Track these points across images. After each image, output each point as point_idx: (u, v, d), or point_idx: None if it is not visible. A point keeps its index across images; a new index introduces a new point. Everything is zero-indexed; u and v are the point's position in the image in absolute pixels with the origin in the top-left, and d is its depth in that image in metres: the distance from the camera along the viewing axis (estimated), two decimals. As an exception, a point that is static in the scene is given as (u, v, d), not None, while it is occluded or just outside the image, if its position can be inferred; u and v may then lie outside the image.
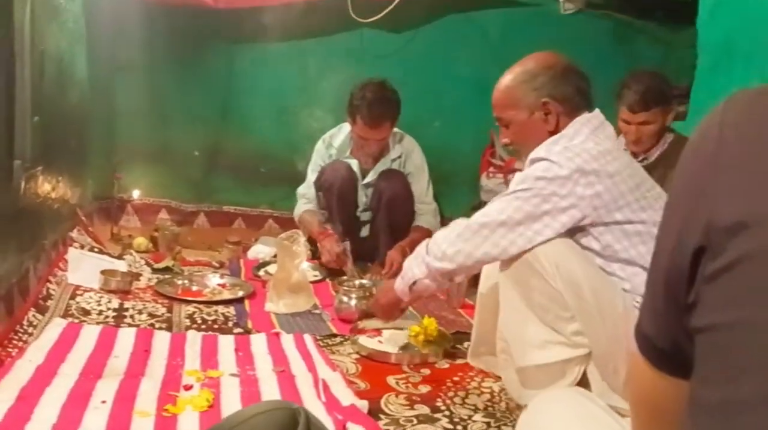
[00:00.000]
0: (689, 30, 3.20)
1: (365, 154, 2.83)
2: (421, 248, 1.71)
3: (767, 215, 0.46)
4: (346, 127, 2.83)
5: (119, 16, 2.80)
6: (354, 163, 2.85)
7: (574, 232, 1.56)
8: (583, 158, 1.54)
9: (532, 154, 1.62)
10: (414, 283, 1.71)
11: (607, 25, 3.45)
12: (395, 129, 2.85)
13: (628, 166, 1.60)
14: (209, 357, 1.77)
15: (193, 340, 1.88)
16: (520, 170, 1.71)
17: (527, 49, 3.30)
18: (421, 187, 2.87)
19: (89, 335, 1.84)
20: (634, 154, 2.46)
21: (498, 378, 1.80)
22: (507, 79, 1.72)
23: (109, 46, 2.92)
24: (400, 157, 2.87)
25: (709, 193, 0.50)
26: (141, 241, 2.88)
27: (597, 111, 1.69)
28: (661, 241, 0.58)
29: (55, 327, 1.85)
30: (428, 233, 2.46)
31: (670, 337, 0.57)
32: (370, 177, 2.86)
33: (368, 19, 3.02)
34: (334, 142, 2.89)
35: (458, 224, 1.65)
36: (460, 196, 3.53)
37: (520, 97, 1.67)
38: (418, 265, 1.69)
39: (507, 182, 3.21)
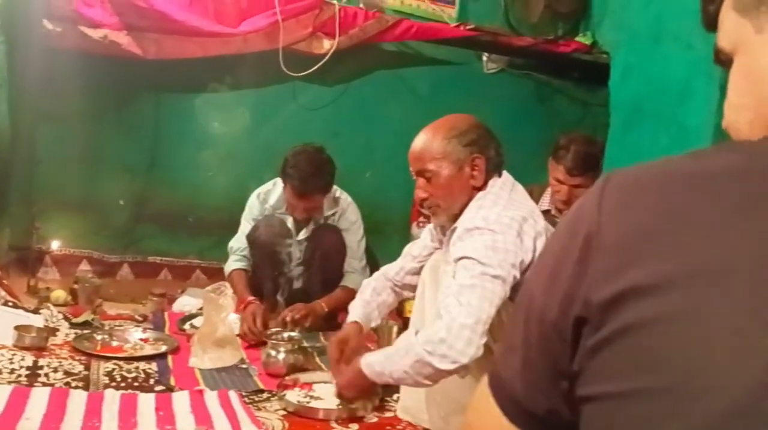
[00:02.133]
0: (604, 91, 3.43)
1: (298, 214, 2.82)
2: (409, 357, 1.57)
3: (643, 289, 0.48)
4: (280, 184, 2.80)
5: (45, 64, 2.74)
6: (289, 220, 2.83)
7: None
8: (517, 221, 1.63)
9: (470, 223, 1.64)
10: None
11: (527, 84, 3.64)
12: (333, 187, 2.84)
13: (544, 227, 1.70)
14: (128, 418, 1.71)
15: (112, 399, 1.81)
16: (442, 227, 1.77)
17: (455, 104, 3.46)
18: (353, 245, 2.85)
19: (-2, 397, 1.74)
20: (560, 211, 2.58)
21: (426, 430, 1.81)
22: (432, 132, 1.76)
23: (32, 93, 2.84)
24: (334, 214, 2.88)
25: (586, 273, 0.52)
26: (59, 294, 2.75)
27: (506, 173, 1.79)
28: (533, 304, 0.58)
29: (-39, 389, 1.75)
30: (353, 294, 2.39)
31: (547, 403, 0.57)
32: (304, 234, 2.85)
33: (299, 74, 3.08)
34: (269, 199, 2.83)
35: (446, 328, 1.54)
36: (391, 244, 3.56)
37: (448, 150, 1.71)
38: (429, 379, 1.58)
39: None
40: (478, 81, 3.54)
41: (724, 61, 0.60)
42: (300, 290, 2.88)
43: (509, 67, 3.57)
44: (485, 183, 1.73)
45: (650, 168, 0.55)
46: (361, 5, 3.12)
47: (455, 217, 1.76)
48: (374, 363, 1.69)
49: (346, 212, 2.87)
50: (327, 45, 3.05)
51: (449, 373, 1.54)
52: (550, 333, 0.55)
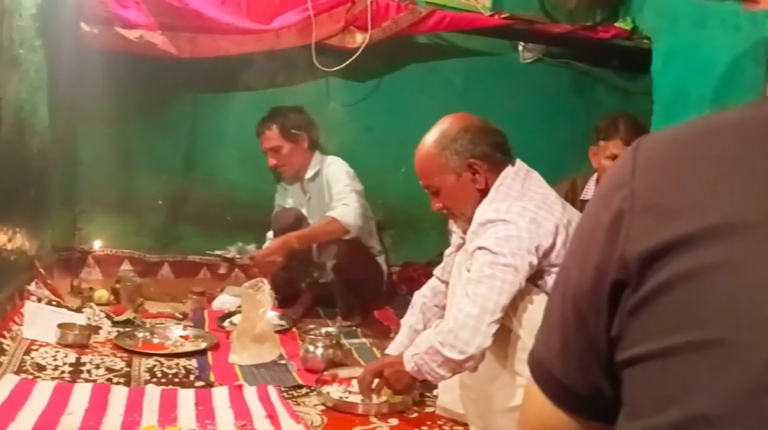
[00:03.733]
0: (645, 78, 3.32)
1: (279, 172, 2.91)
2: (424, 346, 1.61)
3: (682, 241, 0.47)
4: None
5: (83, 66, 2.79)
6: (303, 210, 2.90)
7: (532, 275, 1.58)
8: (531, 209, 1.59)
9: (482, 216, 1.62)
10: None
11: (565, 73, 3.56)
12: (318, 153, 2.90)
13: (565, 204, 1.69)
14: (168, 412, 1.71)
15: (152, 395, 1.82)
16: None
17: (490, 95, 3.41)
18: (339, 187, 2.76)
19: (43, 392, 1.76)
20: None
21: (466, 425, 1.77)
22: (426, 147, 1.73)
23: (71, 95, 2.89)
24: (317, 174, 2.88)
25: (622, 232, 0.51)
26: (102, 293, 2.80)
27: (519, 161, 1.74)
28: (569, 282, 0.57)
29: (7, 384, 1.78)
30: (334, 224, 2.59)
31: (590, 382, 0.56)
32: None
33: (332, 69, 3.06)
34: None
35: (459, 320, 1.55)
36: (428, 241, 3.54)
37: (444, 162, 1.70)
38: (442, 369, 1.58)
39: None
40: (514, 71, 3.47)
41: None
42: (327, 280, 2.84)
43: (546, 57, 3.49)
44: (496, 176, 1.69)
45: (688, 125, 0.54)
46: (393, -3, 3.09)
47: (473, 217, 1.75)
48: (405, 353, 1.71)
49: (329, 169, 2.84)
50: (360, 39, 3.03)
51: (461, 363, 1.54)
52: (587, 306, 0.54)
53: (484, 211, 1.64)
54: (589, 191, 2.59)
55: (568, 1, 3.32)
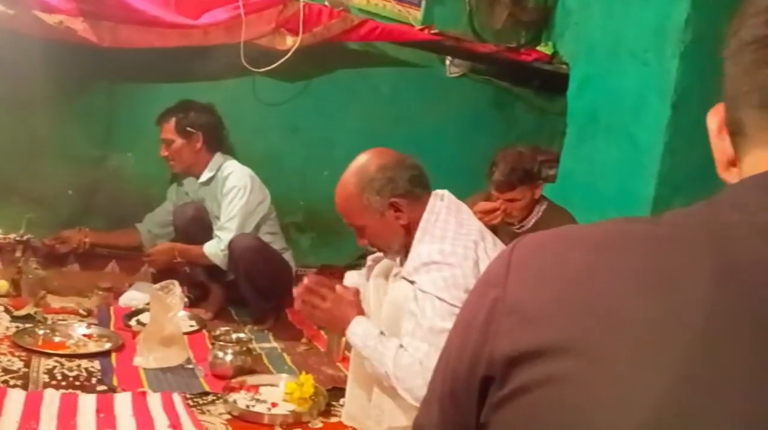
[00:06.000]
0: (561, 100, 3.49)
1: (169, 165, 2.92)
2: (382, 365, 1.60)
3: (536, 352, 0.51)
4: None
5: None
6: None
7: None
8: (472, 249, 1.63)
9: (427, 256, 1.63)
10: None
11: (488, 90, 3.68)
12: (220, 155, 2.90)
13: (492, 241, 1.73)
14: (67, 420, 1.68)
15: (51, 400, 1.77)
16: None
17: (415, 105, 3.48)
18: (224, 208, 2.77)
19: (-71, 396, 1.69)
20: (510, 224, 2.62)
21: (370, 438, 1.83)
22: (346, 188, 1.76)
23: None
24: (212, 178, 2.88)
25: (492, 330, 0.55)
26: (1, 284, 2.67)
27: (446, 192, 1.78)
28: (449, 361, 0.61)
29: None
30: (203, 256, 2.70)
31: None
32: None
33: (260, 69, 3.04)
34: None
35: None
36: (347, 244, 3.55)
37: (366, 204, 1.73)
38: (383, 367, 1.60)
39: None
40: (439, 84, 3.55)
41: None
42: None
43: (471, 72, 3.59)
44: (419, 210, 1.72)
45: (555, 234, 0.58)
46: (327, 3, 3.09)
47: (404, 247, 1.79)
48: (360, 332, 1.67)
49: (226, 180, 2.82)
50: (290, 42, 3.02)
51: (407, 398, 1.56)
52: (461, 390, 0.58)
53: (428, 250, 1.64)
54: None
55: (495, 22, 3.44)
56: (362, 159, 1.77)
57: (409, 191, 1.73)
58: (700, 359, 0.44)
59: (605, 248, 0.53)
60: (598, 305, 0.50)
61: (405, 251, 1.78)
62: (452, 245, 1.64)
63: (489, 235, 1.74)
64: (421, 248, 1.68)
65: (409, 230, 1.73)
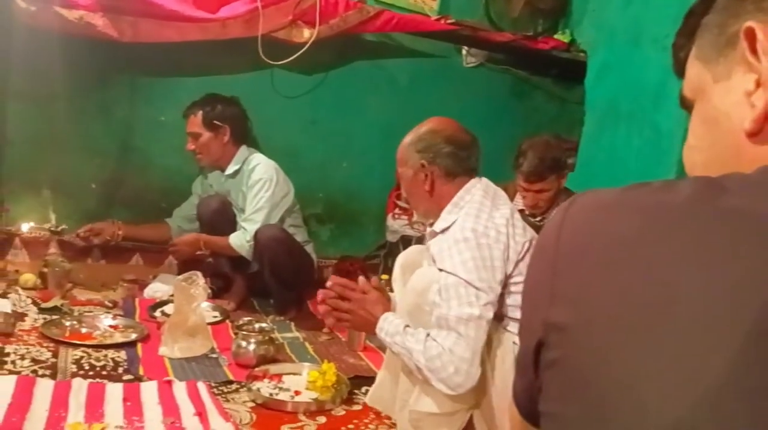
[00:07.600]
0: (580, 88, 3.46)
1: (196, 159, 2.93)
2: (413, 358, 1.60)
3: (582, 322, 0.51)
4: None
5: (17, 44, 2.68)
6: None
7: None
8: (503, 234, 1.64)
9: (459, 233, 1.63)
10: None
11: (506, 79, 3.66)
12: (245, 148, 2.92)
13: (523, 228, 1.71)
14: (95, 408, 1.71)
15: (79, 389, 1.81)
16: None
17: (433, 96, 3.48)
18: (249, 200, 2.80)
19: (-38, 384, 1.73)
20: (533, 215, 2.60)
21: (393, 426, 1.84)
22: (406, 137, 1.83)
23: (4, 72, 2.78)
24: (238, 171, 2.89)
25: (547, 293, 0.55)
26: (28, 277, 2.72)
27: (485, 180, 1.79)
28: (522, 336, 0.63)
29: (-77, 376, 1.73)
30: (228, 247, 2.75)
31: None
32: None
33: (278, 62, 3.05)
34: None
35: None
36: (366, 235, 3.60)
37: (407, 156, 1.80)
38: (415, 362, 1.60)
39: (411, 224, 3.31)
40: (456, 74, 3.55)
41: (687, 106, 0.62)
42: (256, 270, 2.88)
43: (488, 62, 3.58)
44: (450, 186, 1.74)
45: (615, 194, 0.55)
46: (343, -6, 3.10)
47: (426, 215, 1.85)
48: (387, 329, 1.67)
49: (252, 172, 2.84)
50: (307, 34, 3.03)
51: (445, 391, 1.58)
52: (527, 354, 0.59)
53: (462, 226, 1.65)
54: (519, 201, 2.66)
55: (511, 11, 3.41)
56: (430, 121, 1.83)
57: (444, 165, 1.75)
58: (765, 340, 0.43)
59: (664, 215, 0.50)
60: (653, 275, 0.48)
61: (426, 219, 1.85)
62: (485, 226, 1.65)
63: (519, 222, 1.73)
64: (459, 222, 1.67)
65: (438, 202, 1.76)
